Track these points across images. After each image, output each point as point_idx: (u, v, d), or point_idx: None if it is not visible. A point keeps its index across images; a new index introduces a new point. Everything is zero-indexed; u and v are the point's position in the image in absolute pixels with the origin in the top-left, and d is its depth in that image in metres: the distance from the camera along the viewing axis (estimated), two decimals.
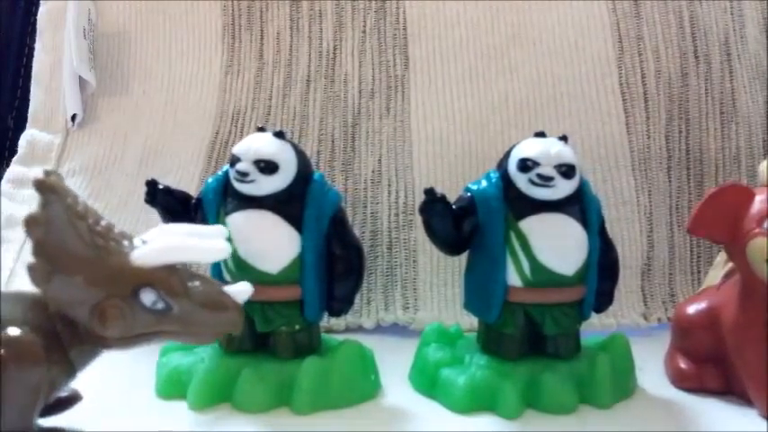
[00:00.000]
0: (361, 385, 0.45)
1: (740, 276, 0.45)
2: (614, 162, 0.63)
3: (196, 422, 0.42)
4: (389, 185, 0.64)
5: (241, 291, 0.35)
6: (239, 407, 0.43)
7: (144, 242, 0.34)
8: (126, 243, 0.34)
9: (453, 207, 0.45)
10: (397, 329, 0.59)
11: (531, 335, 0.46)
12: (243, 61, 0.71)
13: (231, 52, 0.72)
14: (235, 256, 0.43)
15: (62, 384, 0.35)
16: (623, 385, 0.46)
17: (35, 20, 0.78)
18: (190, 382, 0.44)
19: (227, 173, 0.44)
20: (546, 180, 0.43)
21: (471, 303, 0.47)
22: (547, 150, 0.44)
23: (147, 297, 0.33)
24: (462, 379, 0.44)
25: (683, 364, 0.48)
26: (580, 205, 0.45)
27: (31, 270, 0.33)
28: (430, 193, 0.44)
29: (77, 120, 0.72)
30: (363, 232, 0.63)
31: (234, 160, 0.43)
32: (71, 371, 0.35)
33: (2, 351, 0.32)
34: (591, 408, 0.44)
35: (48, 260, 0.33)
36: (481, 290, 0.46)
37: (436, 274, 0.61)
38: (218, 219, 0.44)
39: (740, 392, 0.45)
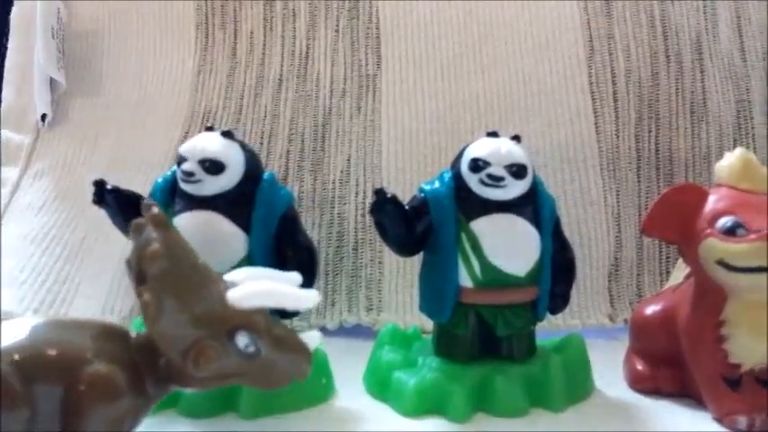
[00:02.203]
0: (311, 388, 0.44)
1: (694, 277, 0.44)
2: (582, 162, 0.62)
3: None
4: (357, 185, 0.64)
5: (313, 338, 0.35)
6: (183, 412, 0.42)
7: (232, 283, 0.34)
8: (221, 283, 0.34)
9: (406, 207, 0.45)
10: (362, 331, 0.59)
11: (484, 336, 0.45)
12: (216, 60, 0.71)
13: (204, 52, 0.71)
14: None
15: (140, 421, 0.34)
16: (578, 387, 0.46)
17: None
18: None
19: (175, 173, 0.44)
20: (496, 180, 0.43)
21: (425, 304, 0.47)
22: (497, 150, 0.43)
23: (242, 340, 0.33)
24: (413, 382, 0.43)
25: (639, 366, 0.48)
26: (533, 205, 0.45)
27: (147, 306, 0.32)
28: (380, 193, 0.43)
29: (47, 119, 0.72)
30: (330, 233, 0.62)
31: (180, 160, 0.43)
32: (148, 408, 0.34)
33: (83, 386, 0.31)
34: (543, 410, 0.44)
35: (161, 297, 0.32)
36: (433, 291, 0.45)
37: (402, 276, 0.60)
38: None
39: (695, 395, 0.45)
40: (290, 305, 0.35)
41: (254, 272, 0.35)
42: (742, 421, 0.41)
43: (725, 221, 0.41)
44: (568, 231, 0.59)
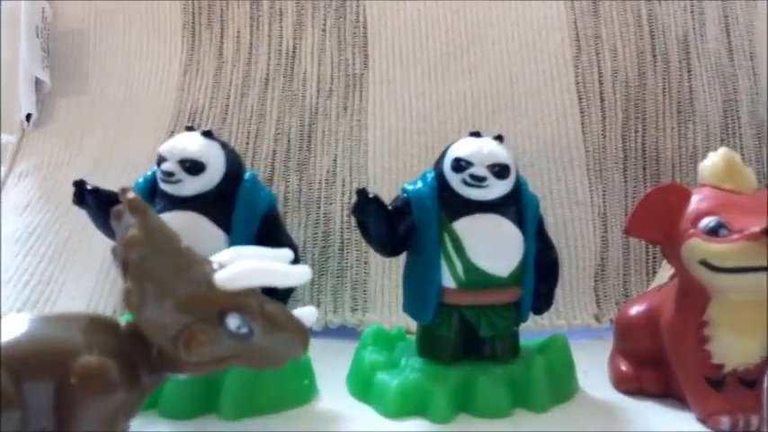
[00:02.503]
0: (293, 390, 0.44)
1: (678, 278, 0.44)
2: (569, 162, 0.62)
3: None
4: (343, 185, 0.63)
5: (308, 314, 0.35)
6: (164, 413, 0.42)
7: (220, 265, 0.33)
8: (206, 266, 0.33)
9: (389, 208, 0.45)
10: (348, 332, 0.58)
11: (468, 337, 0.45)
12: (202, 60, 0.70)
13: (191, 51, 0.71)
14: None
15: (135, 413, 0.34)
16: (561, 388, 0.45)
17: None
18: None
19: (155, 173, 0.44)
20: (478, 180, 0.42)
21: (408, 305, 0.46)
22: (480, 150, 0.43)
23: (233, 322, 0.32)
24: (395, 383, 0.43)
25: (623, 367, 0.47)
26: (516, 205, 0.44)
27: (129, 294, 0.31)
28: (362, 194, 0.43)
29: (32, 119, 0.71)
30: (316, 233, 0.62)
31: (160, 160, 0.42)
32: (143, 398, 0.34)
33: (75, 379, 0.31)
34: (526, 411, 0.44)
35: (143, 283, 0.32)
36: (416, 291, 0.45)
37: (387, 276, 0.60)
38: None
39: (679, 395, 0.44)
40: (280, 282, 0.34)
41: (241, 251, 0.35)
42: (725, 422, 0.41)
43: (708, 221, 0.41)
44: (554, 231, 0.59)
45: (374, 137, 0.64)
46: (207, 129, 0.43)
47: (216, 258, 0.34)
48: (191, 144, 0.42)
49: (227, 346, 0.33)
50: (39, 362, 0.31)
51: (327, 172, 0.64)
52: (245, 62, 0.69)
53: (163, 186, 0.42)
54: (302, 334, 0.34)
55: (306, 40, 0.68)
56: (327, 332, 0.59)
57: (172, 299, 0.32)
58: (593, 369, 0.50)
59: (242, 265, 0.33)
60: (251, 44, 0.70)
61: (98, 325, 0.33)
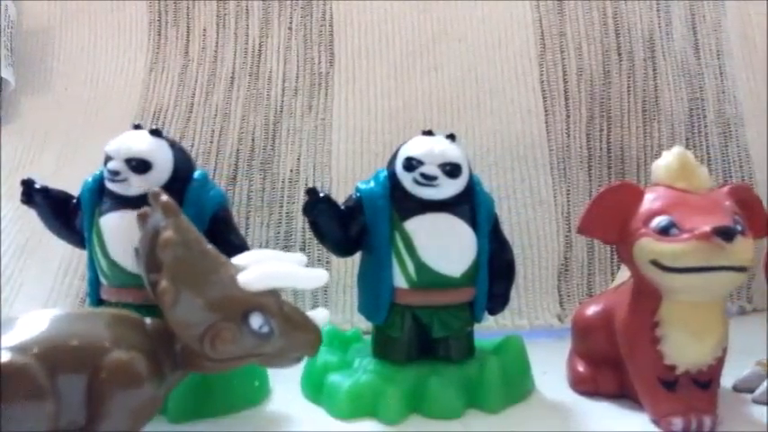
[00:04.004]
0: (243, 391, 0.44)
1: (632, 278, 0.44)
2: (533, 161, 0.62)
3: None
4: (307, 185, 0.63)
5: (321, 316, 0.36)
6: None
7: (243, 266, 0.34)
8: (231, 267, 0.34)
9: (341, 207, 0.44)
10: None
11: (421, 337, 0.45)
12: (168, 58, 0.70)
13: (157, 49, 0.71)
14: (107, 258, 0.41)
15: (158, 409, 0.34)
16: (515, 388, 0.45)
17: None
18: None
19: (103, 172, 0.43)
20: (429, 179, 0.42)
21: (362, 305, 0.46)
22: (431, 149, 0.42)
23: (256, 321, 0.34)
24: (346, 384, 0.43)
25: (580, 368, 0.47)
26: (470, 205, 0.44)
27: (164, 293, 0.33)
28: (311, 193, 0.43)
29: None
30: (278, 232, 0.62)
31: (106, 159, 0.42)
32: (165, 395, 0.35)
33: (105, 374, 0.32)
34: (479, 412, 0.43)
35: (177, 283, 0.33)
36: (369, 292, 0.45)
37: (350, 276, 0.60)
38: (93, 219, 0.42)
39: (634, 396, 0.44)
40: (300, 285, 0.37)
41: (260, 254, 0.36)
42: (677, 423, 0.40)
43: (659, 221, 0.40)
44: (518, 231, 0.59)
45: (339, 136, 0.64)
46: (155, 127, 0.43)
47: (236, 260, 0.35)
48: (137, 142, 0.41)
49: (249, 345, 0.34)
50: (72, 357, 0.32)
51: (291, 171, 0.64)
52: (211, 60, 0.69)
53: (109, 185, 0.42)
54: (316, 334, 0.36)
55: (272, 38, 0.68)
56: None
57: (202, 298, 0.33)
58: (553, 370, 0.49)
59: (265, 267, 0.34)
60: (217, 42, 0.69)
61: (123, 321, 0.34)
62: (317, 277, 0.36)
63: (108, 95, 0.70)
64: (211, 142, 0.65)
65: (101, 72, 0.72)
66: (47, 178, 0.66)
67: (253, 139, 0.65)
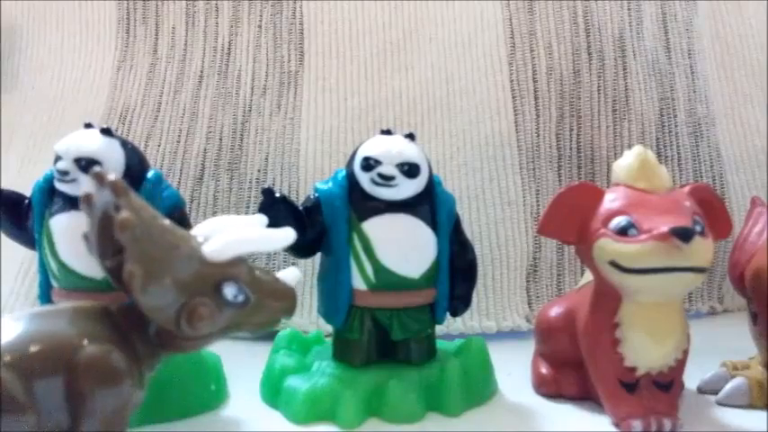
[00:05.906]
0: (199, 395, 0.43)
1: (593, 279, 0.43)
2: (501, 161, 0.61)
3: None
4: (274, 185, 0.62)
5: (292, 275, 0.35)
6: None
7: (204, 237, 0.33)
8: (192, 240, 0.33)
9: (299, 208, 0.43)
10: (272, 335, 0.57)
11: (381, 340, 0.44)
12: (136, 56, 0.69)
13: (125, 47, 0.70)
14: (58, 260, 0.41)
15: (140, 398, 0.34)
16: (477, 391, 0.45)
17: None
18: None
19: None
20: (387, 179, 0.41)
21: (321, 308, 0.45)
22: (389, 149, 0.42)
23: (230, 291, 0.33)
24: (304, 388, 0.42)
25: (543, 369, 0.47)
26: (429, 205, 0.43)
27: (132, 277, 0.31)
28: (267, 193, 0.42)
29: None
30: None
31: (56, 158, 0.41)
32: (145, 383, 0.34)
33: (81, 372, 0.30)
34: (439, 415, 0.43)
35: (142, 265, 0.31)
36: (328, 294, 0.44)
37: (315, 277, 0.59)
38: (43, 220, 0.41)
39: (596, 398, 0.43)
40: (268, 247, 0.36)
41: (219, 222, 0.35)
42: (637, 425, 0.40)
43: (618, 221, 0.40)
44: (486, 231, 0.58)
45: (307, 135, 0.63)
46: (106, 126, 0.42)
47: (195, 232, 0.34)
48: (87, 141, 0.40)
49: (227, 316, 0.33)
50: (44, 359, 0.30)
51: (259, 171, 0.63)
52: (180, 59, 0.68)
53: (58, 186, 0.41)
54: (291, 294, 0.35)
55: (241, 36, 0.67)
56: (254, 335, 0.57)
57: (169, 277, 0.32)
58: (518, 371, 0.49)
59: (228, 236, 0.33)
60: (186, 41, 0.68)
61: (87, 313, 0.33)
62: (284, 237, 0.35)
63: (75, 94, 0.69)
64: (178, 141, 0.64)
65: (68, 70, 0.71)
66: (10, 178, 0.67)
67: (220, 139, 0.64)
